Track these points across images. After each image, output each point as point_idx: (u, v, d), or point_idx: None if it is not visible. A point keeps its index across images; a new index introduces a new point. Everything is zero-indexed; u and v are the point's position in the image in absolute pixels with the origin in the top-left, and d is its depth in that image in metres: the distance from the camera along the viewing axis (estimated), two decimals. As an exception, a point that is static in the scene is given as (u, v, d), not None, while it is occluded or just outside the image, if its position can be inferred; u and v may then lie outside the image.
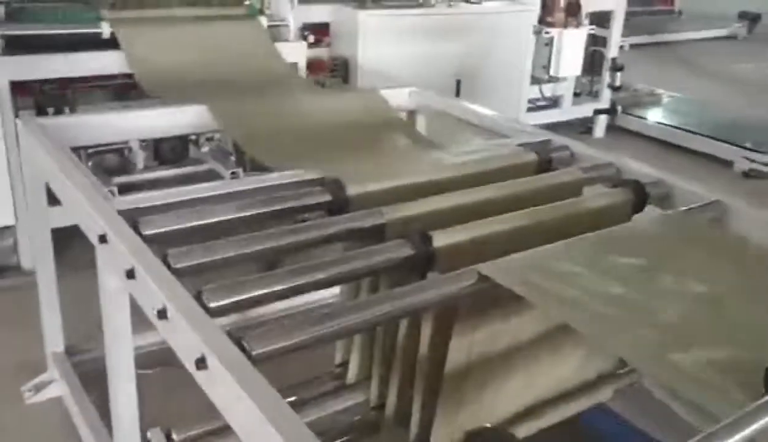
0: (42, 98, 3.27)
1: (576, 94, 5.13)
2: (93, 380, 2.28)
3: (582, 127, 5.33)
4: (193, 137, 3.37)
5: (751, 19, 10.06)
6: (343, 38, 3.82)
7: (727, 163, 4.87)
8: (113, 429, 1.72)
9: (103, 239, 1.46)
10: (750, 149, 4.80)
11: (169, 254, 1.36)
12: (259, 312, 1.79)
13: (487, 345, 1.52)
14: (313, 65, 3.64)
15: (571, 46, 4.59)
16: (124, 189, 3.19)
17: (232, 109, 2.38)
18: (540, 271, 1.42)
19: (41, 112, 3.38)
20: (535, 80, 4.68)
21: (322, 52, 3.86)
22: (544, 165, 2.04)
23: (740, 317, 1.38)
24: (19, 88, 2.95)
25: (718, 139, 4.95)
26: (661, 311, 1.35)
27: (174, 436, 1.52)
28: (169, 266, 1.35)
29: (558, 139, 2.20)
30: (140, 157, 3.34)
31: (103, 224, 1.46)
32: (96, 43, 3.02)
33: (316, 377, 1.76)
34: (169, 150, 3.21)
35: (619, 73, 5.04)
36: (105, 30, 2.97)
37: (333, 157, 2.13)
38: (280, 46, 3.26)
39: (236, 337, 1.15)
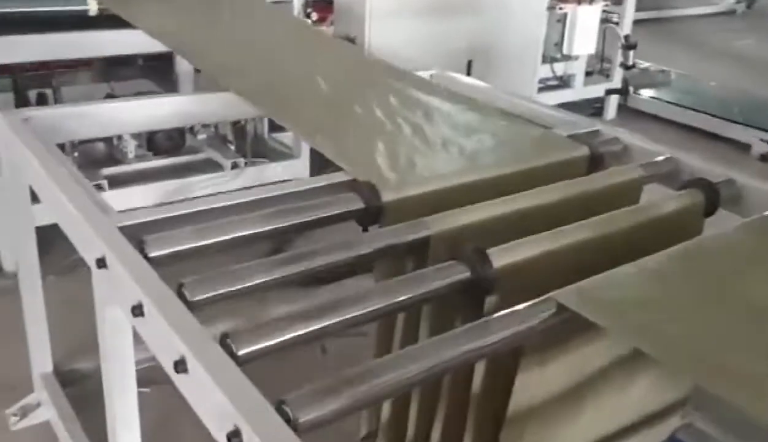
0: (21, 80, 3.01)
1: (588, 74, 4.89)
2: (82, 400, 2.06)
3: (591, 108, 5.11)
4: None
5: (750, -6, 9.84)
6: (349, 16, 3.54)
7: (743, 146, 4.67)
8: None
9: (101, 263, 1.22)
10: (769, 131, 4.60)
11: (185, 286, 1.12)
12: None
13: (556, 382, 1.30)
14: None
15: (585, 23, 4.34)
16: (114, 182, 2.95)
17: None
18: (622, 296, 1.21)
19: (20, 95, 3.13)
20: (547, 59, 4.43)
21: (326, 31, 3.59)
22: (596, 160, 1.82)
23: None
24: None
25: (735, 122, 4.73)
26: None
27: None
28: (185, 300, 1.11)
29: (607, 130, 1.97)
30: (131, 147, 3.09)
31: (103, 245, 1.22)
32: (81, 23, 2.75)
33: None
34: (165, 139, 2.96)
35: (632, 52, 4.81)
36: (92, 7, 2.70)
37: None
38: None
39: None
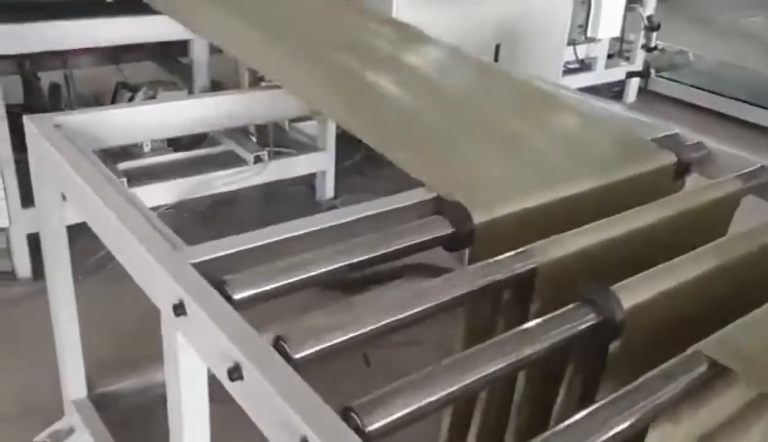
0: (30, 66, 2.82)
1: (609, 56, 4.72)
2: (121, 425, 1.90)
3: (609, 92, 4.96)
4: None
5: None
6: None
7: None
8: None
9: (180, 309, 1.05)
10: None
11: (288, 341, 0.96)
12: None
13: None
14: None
15: (610, 5, 4.17)
16: (132, 177, 2.76)
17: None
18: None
19: (28, 85, 2.94)
20: (571, 42, 4.26)
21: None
22: (682, 168, 1.67)
23: None
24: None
25: (764, 107, 4.60)
26: None
27: None
28: (287, 357, 0.95)
29: (687, 134, 1.82)
30: (148, 140, 2.90)
31: (179, 289, 1.06)
32: (95, 9, 2.55)
33: None
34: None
35: (655, 33, 4.64)
36: (110, -7, 2.50)
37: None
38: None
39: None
